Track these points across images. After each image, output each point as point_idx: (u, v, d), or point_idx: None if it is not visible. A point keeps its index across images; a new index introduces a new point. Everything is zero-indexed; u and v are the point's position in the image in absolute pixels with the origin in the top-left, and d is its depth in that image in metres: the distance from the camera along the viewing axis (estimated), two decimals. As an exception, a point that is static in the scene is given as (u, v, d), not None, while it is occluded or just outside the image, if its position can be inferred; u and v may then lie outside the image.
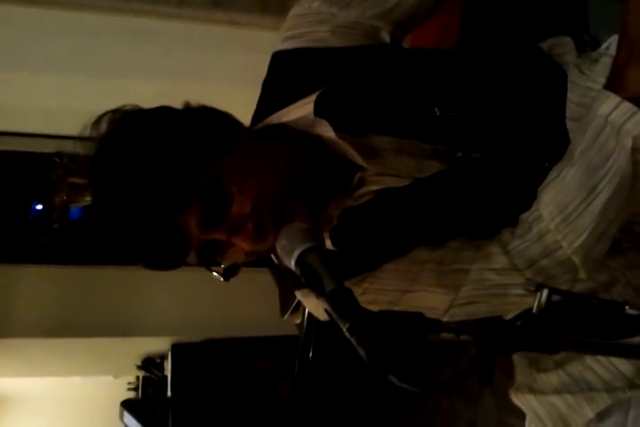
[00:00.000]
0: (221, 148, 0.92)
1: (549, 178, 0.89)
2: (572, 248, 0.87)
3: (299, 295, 0.99)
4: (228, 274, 0.96)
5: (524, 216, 0.91)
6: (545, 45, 1.10)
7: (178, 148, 0.89)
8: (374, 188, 0.95)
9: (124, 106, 0.95)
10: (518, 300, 0.91)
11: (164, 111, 0.95)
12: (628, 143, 0.81)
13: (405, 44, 1.11)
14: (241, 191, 0.89)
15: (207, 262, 0.94)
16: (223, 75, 2.46)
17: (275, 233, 0.88)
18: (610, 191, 0.83)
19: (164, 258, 0.92)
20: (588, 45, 1.09)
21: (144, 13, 2.18)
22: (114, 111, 0.95)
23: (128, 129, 0.92)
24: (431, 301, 0.93)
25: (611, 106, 0.81)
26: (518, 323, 0.68)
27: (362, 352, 0.62)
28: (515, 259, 0.90)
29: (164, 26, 2.27)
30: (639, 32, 0.81)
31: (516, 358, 1.14)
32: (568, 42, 1.08)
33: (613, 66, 0.84)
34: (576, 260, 0.87)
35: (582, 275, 0.89)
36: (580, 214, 0.85)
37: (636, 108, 0.80)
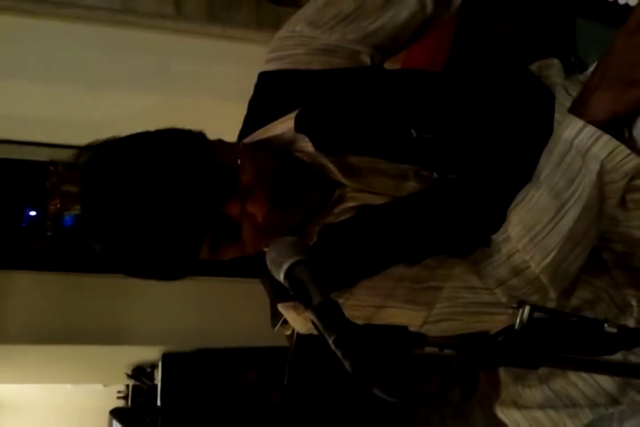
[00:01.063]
0: (206, 142, 0.96)
1: (517, 199, 0.92)
2: (539, 267, 0.89)
3: (280, 309, 1.00)
4: None
5: (494, 237, 0.93)
6: (533, 67, 1.12)
7: (167, 148, 0.92)
8: (353, 204, 0.97)
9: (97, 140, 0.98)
10: (490, 318, 0.93)
11: (141, 133, 0.98)
12: (596, 167, 0.83)
13: (397, 63, 1.13)
14: (243, 162, 0.92)
15: (222, 240, 0.94)
16: (218, 88, 2.48)
17: (283, 203, 0.92)
18: (577, 213, 0.86)
19: (181, 245, 0.91)
20: (575, 68, 1.11)
21: (141, 26, 2.20)
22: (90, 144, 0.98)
23: (115, 143, 0.95)
24: (405, 317, 0.94)
25: (575, 129, 0.84)
26: (500, 338, 0.70)
27: (347, 365, 0.63)
28: (485, 278, 0.92)
29: (161, 39, 2.28)
30: (617, 57, 0.83)
31: (501, 373, 1.15)
32: (556, 64, 1.10)
33: (582, 89, 0.87)
34: (544, 279, 0.89)
35: (552, 294, 0.91)
36: (547, 235, 0.88)
37: (600, 132, 0.82)
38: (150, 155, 0.91)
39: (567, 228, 0.87)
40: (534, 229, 0.88)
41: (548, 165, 0.88)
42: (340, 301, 0.92)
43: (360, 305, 0.94)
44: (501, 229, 0.92)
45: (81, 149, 0.97)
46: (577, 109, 0.86)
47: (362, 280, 0.94)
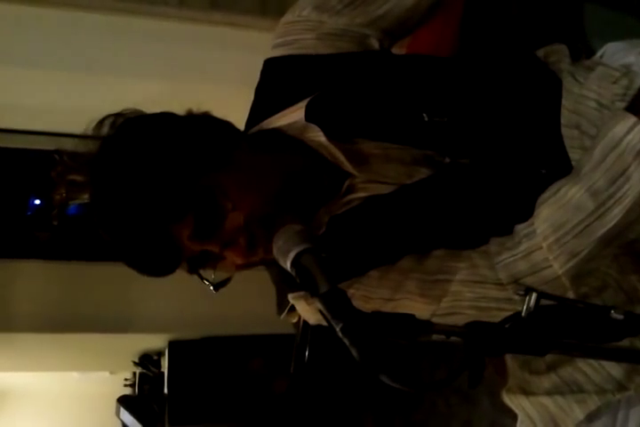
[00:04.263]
0: (219, 161, 0.92)
1: (550, 192, 0.88)
2: (563, 269, 0.85)
3: (291, 299, 1.00)
4: (218, 285, 0.98)
5: (518, 228, 0.90)
6: (540, 53, 1.11)
7: (176, 159, 0.90)
8: (363, 195, 0.96)
9: (125, 109, 0.96)
10: (498, 313, 0.89)
11: (165, 119, 0.96)
12: None
13: (402, 48, 1.12)
14: (234, 208, 0.90)
15: (198, 271, 0.96)
16: (222, 75, 2.46)
17: (265, 247, 0.90)
18: (616, 216, 0.81)
19: (157, 266, 0.94)
20: (582, 53, 1.10)
21: (143, 14, 2.18)
22: (116, 115, 0.95)
23: (128, 136, 0.93)
24: (413, 310, 0.93)
25: (626, 127, 0.80)
26: (507, 326, 0.70)
27: (354, 353, 0.63)
28: (499, 273, 0.89)
29: (164, 26, 2.26)
30: None
31: (508, 360, 1.15)
32: (563, 49, 1.09)
33: None
34: (566, 281, 0.86)
35: (570, 295, 0.87)
36: (577, 236, 0.84)
37: None
38: (156, 156, 0.90)
39: (602, 231, 0.82)
40: (563, 228, 0.84)
41: (590, 161, 0.84)
42: (351, 291, 0.92)
43: (370, 297, 0.94)
44: (528, 222, 0.88)
45: (101, 121, 0.96)
46: (635, 108, 0.81)
47: (371, 270, 0.94)
